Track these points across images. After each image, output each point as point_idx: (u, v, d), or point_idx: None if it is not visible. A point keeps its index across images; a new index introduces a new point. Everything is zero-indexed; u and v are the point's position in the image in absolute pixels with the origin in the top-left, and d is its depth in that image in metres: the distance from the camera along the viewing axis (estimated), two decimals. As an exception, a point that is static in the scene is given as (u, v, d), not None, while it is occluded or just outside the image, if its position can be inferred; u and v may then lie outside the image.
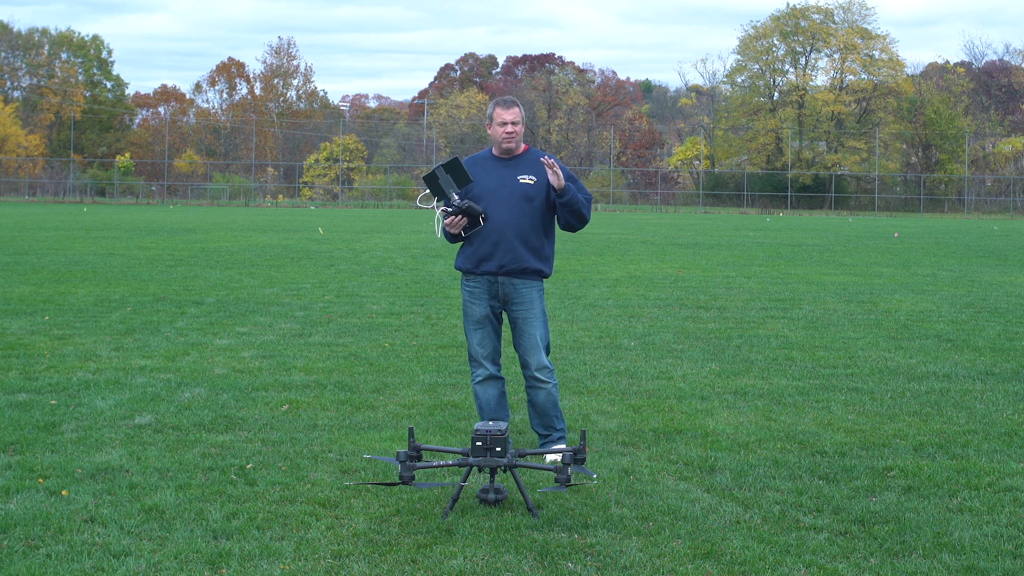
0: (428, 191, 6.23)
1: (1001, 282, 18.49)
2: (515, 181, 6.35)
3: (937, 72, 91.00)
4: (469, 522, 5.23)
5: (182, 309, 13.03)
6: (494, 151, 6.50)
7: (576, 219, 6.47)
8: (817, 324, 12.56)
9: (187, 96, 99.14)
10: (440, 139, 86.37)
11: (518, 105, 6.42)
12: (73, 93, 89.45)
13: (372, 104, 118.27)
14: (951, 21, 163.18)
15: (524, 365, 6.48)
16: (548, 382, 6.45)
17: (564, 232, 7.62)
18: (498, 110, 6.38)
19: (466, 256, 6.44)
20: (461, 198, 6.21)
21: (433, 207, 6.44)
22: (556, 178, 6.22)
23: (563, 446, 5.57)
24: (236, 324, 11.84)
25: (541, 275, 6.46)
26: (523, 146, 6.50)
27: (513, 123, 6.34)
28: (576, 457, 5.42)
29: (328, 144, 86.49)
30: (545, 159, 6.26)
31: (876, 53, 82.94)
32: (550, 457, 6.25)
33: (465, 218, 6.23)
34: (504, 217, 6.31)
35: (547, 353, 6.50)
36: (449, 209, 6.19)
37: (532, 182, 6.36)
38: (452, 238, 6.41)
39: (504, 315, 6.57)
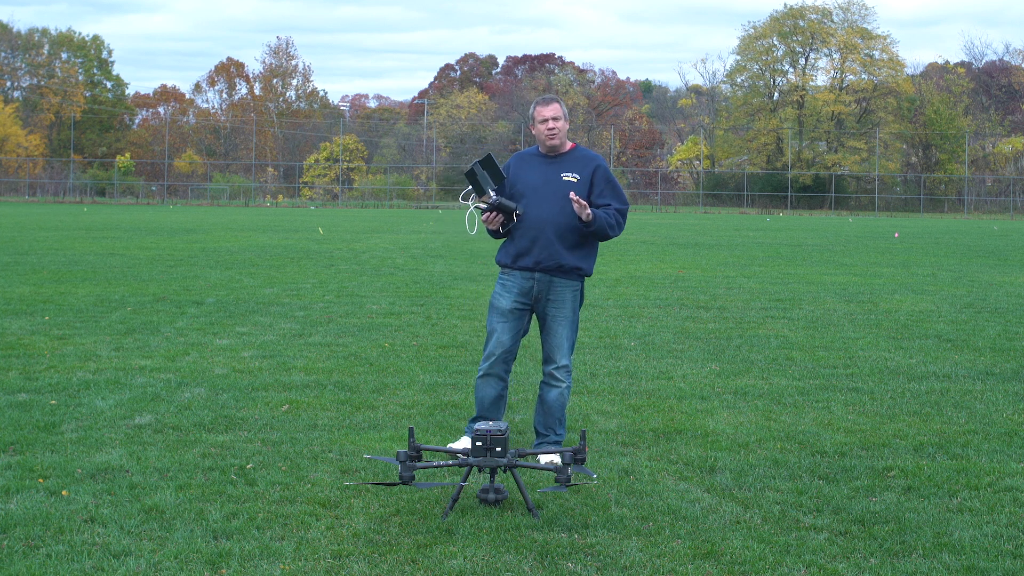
0: (470, 187, 6.26)
1: (1001, 282, 18.49)
2: (559, 178, 6.38)
3: (937, 72, 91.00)
4: (469, 522, 5.23)
5: (182, 309, 13.03)
6: (540, 148, 6.52)
7: (602, 238, 6.48)
8: (817, 324, 12.56)
9: (187, 96, 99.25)
10: (440, 139, 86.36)
11: (558, 101, 6.45)
12: (73, 93, 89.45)
13: (372, 104, 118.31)
14: (951, 21, 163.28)
15: (545, 360, 6.50)
16: (563, 382, 6.47)
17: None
18: (538, 108, 6.42)
19: (505, 251, 6.49)
20: (497, 195, 6.25)
21: (469, 203, 6.50)
22: (582, 209, 6.20)
23: (557, 450, 5.56)
24: (236, 324, 11.84)
25: (579, 273, 6.45)
26: (569, 144, 6.52)
27: (554, 119, 6.36)
28: (576, 457, 5.42)
29: (328, 144, 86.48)
30: (572, 196, 6.23)
31: (876, 53, 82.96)
32: (544, 459, 6.23)
33: (500, 215, 6.28)
34: (544, 213, 6.32)
35: (571, 354, 6.52)
36: (483, 206, 6.24)
37: (576, 180, 6.38)
38: (494, 233, 6.45)
39: (533, 315, 6.57)
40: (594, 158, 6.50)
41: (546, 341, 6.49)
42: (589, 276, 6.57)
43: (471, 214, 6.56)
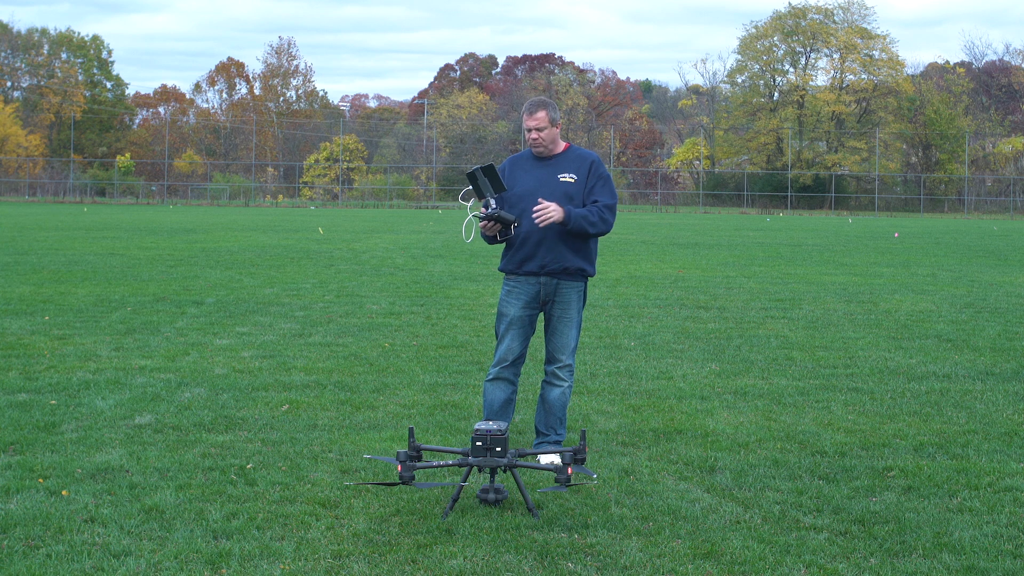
0: (471, 187, 6.25)
1: (1001, 282, 18.49)
2: (556, 180, 6.37)
3: (937, 72, 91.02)
4: (469, 522, 5.23)
5: (182, 309, 13.03)
6: (533, 151, 6.53)
7: (583, 238, 6.40)
8: (817, 324, 12.56)
9: (187, 96, 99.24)
10: (440, 139, 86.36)
11: (544, 108, 6.38)
12: (73, 93, 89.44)
13: (372, 104, 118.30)
14: (952, 21, 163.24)
15: (549, 360, 6.50)
16: (565, 381, 6.48)
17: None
18: (525, 118, 6.44)
19: (509, 258, 6.47)
20: (496, 205, 6.25)
21: (468, 208, 6.51)
22: (548, 218, 6.14)
23: (557, 450, 5.56)
24: (236, 324, 11.84)
25: (583, 274, 6.46)
26: (563, 144, 6.51)
27: (537, 129, 6.35)
28: (576, 457, 5.42)
29: (328, 144, 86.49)
30: (539, 207, 6.18)
31: (876, 53, 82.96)
32: (544, 459, 6.23)
33: (498, 224, 6.28)
34: None
35: (574, 353, 6.54)
36: (482, 215, 6.25)
37: (573, 180, 6.37)
38: (490, 239, 6.45)
39: (540, 316, 6.57)
40: (588, 156, 6.47)
41: (551, 341, 6.50)
42: (592, 276, 6.58)
43: (469, 222, 6.56)
